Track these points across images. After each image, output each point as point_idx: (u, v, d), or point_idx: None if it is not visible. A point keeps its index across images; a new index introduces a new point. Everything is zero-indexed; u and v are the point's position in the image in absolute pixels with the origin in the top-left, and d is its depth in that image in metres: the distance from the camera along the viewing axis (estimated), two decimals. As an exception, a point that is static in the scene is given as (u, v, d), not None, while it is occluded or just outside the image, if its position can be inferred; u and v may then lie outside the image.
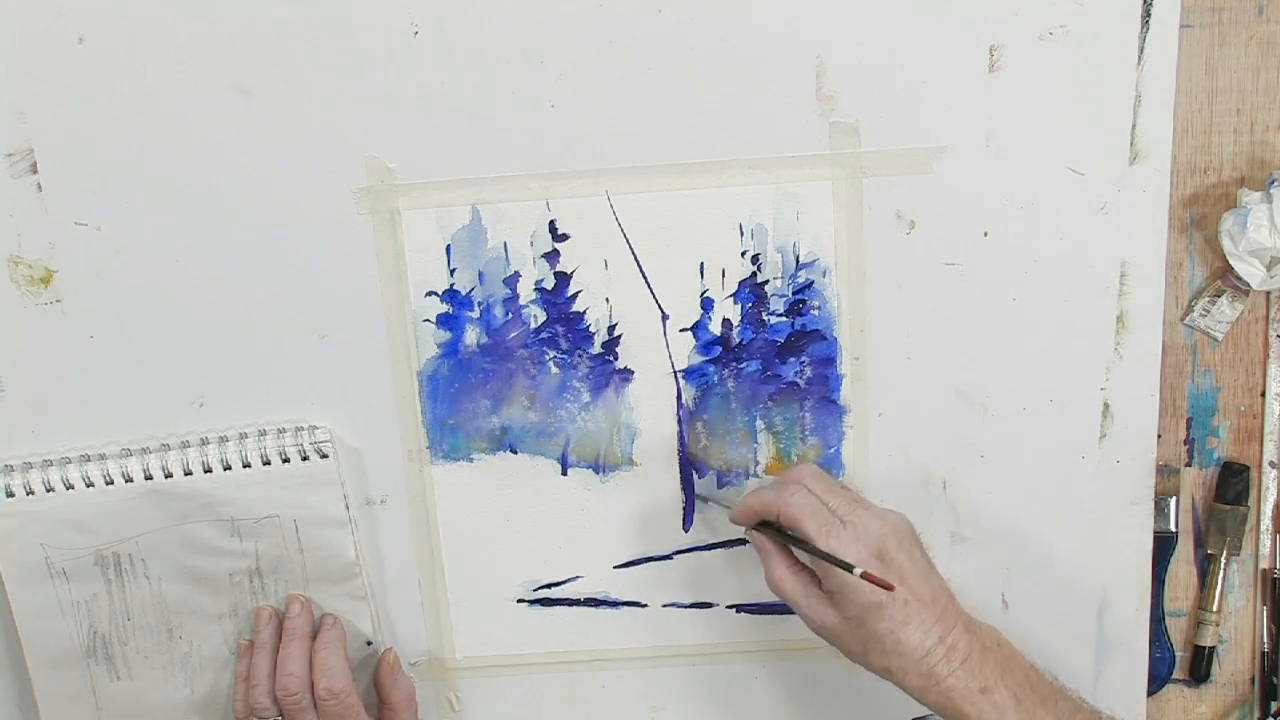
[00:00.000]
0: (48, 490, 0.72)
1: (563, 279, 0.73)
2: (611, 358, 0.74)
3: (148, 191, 0.71)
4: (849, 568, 0.63)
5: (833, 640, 0.67)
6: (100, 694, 0.77)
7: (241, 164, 0.70)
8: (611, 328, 0.74)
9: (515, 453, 0.75)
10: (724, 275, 0.73)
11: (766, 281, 0.73)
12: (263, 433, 0.73)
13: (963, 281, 0.72)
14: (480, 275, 0.73)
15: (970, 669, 0.64)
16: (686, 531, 0.77)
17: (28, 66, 0.69)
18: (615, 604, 0.78)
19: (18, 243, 0.72)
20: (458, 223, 0.72)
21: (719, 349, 0.74)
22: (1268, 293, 0.74)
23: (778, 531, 0.69)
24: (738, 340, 0.74)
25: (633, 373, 0.74)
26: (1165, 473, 0.76)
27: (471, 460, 0.76)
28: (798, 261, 0.72)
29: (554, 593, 0.78)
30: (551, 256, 0.72)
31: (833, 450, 0.75)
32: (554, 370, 0.74)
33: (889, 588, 0.62)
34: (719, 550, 0.77)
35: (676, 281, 0.73)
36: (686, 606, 0.78)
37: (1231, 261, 0.71)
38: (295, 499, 0.73)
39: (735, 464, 0.76)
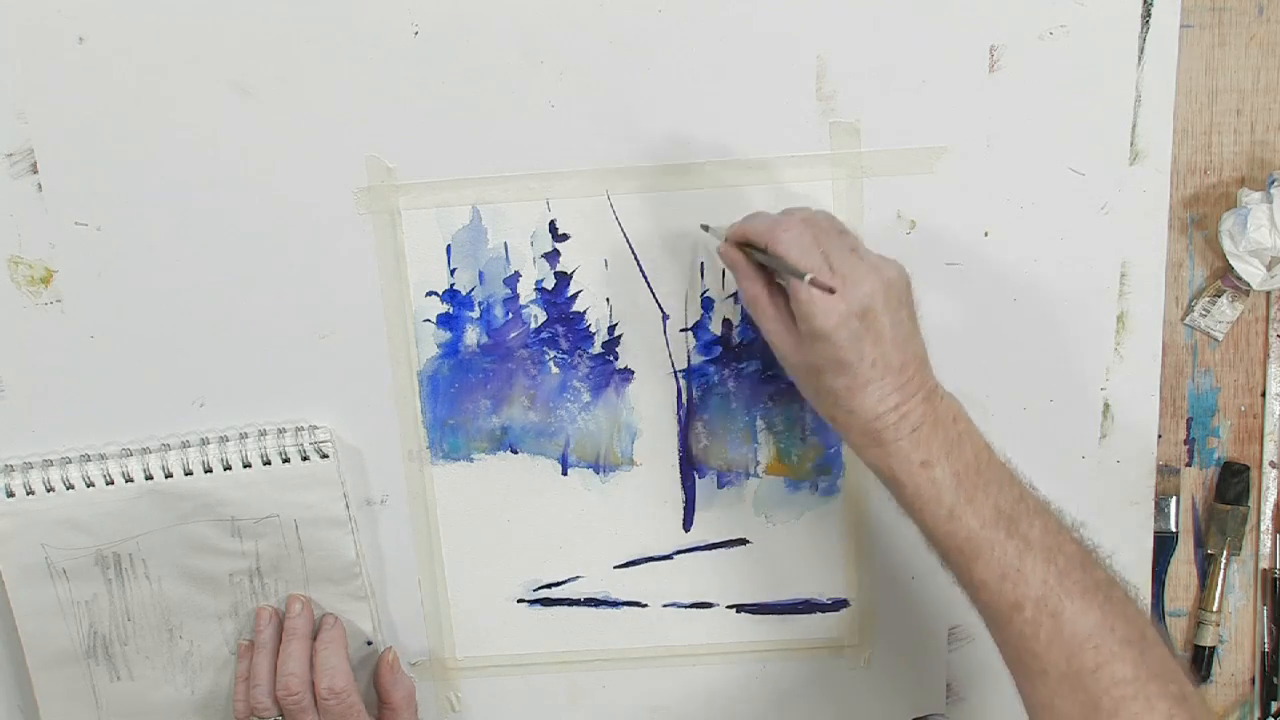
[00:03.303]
0: (48, 490, 0.72)
1: (563, 279, 0.73)
2: (611, 358, 0.74)
3: (148, 191, 0.71)
4: (800, 275, 0.60)
5: (790, 374, 0.65)
6: (100, 694, 0.77)
7: (241, 164, 0.70)
8: (611, 328, 0.74)
9: (515, 453, 0.75)
10: (724, 275, 0.73)
11: (766, 281, 0.73)
12: (263, 433, 0.73)
13: (963, 281, 0.72)
14: (480, 275, 0.73)
15: (916, 440, 0.61)
16: (686, 531, 0.77)
17: (28, 66, 0.69)
18: (615, 604, 0.78)
19: (18, 243, 0.72)
20: (458, 223, 0.72)
21: (719, 349, 0.74)
22: (1268, 293, 0.74)
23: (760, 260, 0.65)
24: (738, 340, 0.74)
25: (633, 373, 0.74)
26: (1165, 473, 0.76)
27: (472, 460, 0.76)
28: (798, 261, 0.72)
29: (554, 593, 0.78)
30: (551, 256, 0.72)
31: (833, 450, 0.75)
32: (554, 370, 0.74)
33: (830, 290, 0.59)
34: (719, 550, 0.77)
35: (676, 281, 0.73)
36: (686, 606, 0.78)
37: (1231, 261, 0.71)
38: (295, 499, 0.73)
39: (735, 464, 0.76)
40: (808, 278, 0.59)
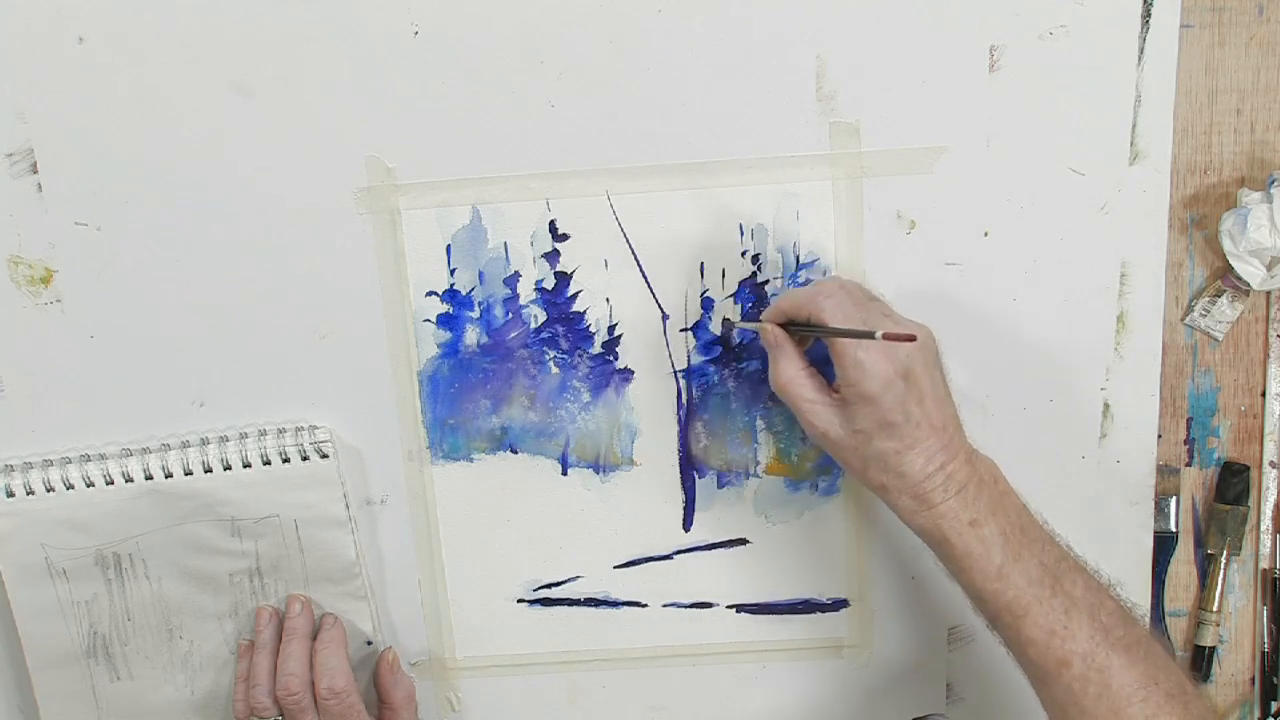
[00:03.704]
0: (48, 490, 0.72)
1: (563, 279, 0.73)
2: (611, 358, 0.74)
3: (148, 191, 0.71)
4: (870, 335, 0.61)
5: (833, 451, 0.66)
6: (100, 694, 0.77)
7: (242, 164, 0.70)
8: (611, 328, 0.74)
9: (515, 453, 0.75)
10: (724, 275, 0.73)
11: (767, 281, 0.73)
12: (263, 433, 0.73)
13: (963, 281, 0.72)
14: (480, 275, 0.73)
15: (964, 500, 0.63)
16: (686, 531, 0.77)
17: (28, 66, 0.69)
18: (615, 604, 0.78)
19: (18, 243, 0.72)
20: (458, 223, 0.72)
21: (719, 349, 0.74)
22: (1268, 293, 0.74)
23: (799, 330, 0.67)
24: (738, 340, 0.74)
25: (633, 373, 0.74)
26: (1165, 473, 0.76)
27: (471, 460, 0.76)
28: (798, 261, 0.72)
29: (554, 593, 0.78)
30: (551, 256, 0.72)
31: (833, 450, 0.75)
32: (554, 370, 0.74)
33: (910, 339, 0.60)
34: (719, 550, 0.77)
35: (676, 281, 0.73)
36: (686, 606, 0.78)
37: (1231, 261, 0.71)
38: (295, 499, 0.73)
39: (735, 464, 0.76)
40: (879, 334, 0.61)
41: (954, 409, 0.65)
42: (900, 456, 0.63)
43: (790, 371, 0.66)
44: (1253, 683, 0.80)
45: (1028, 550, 0.63)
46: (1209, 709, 0.62)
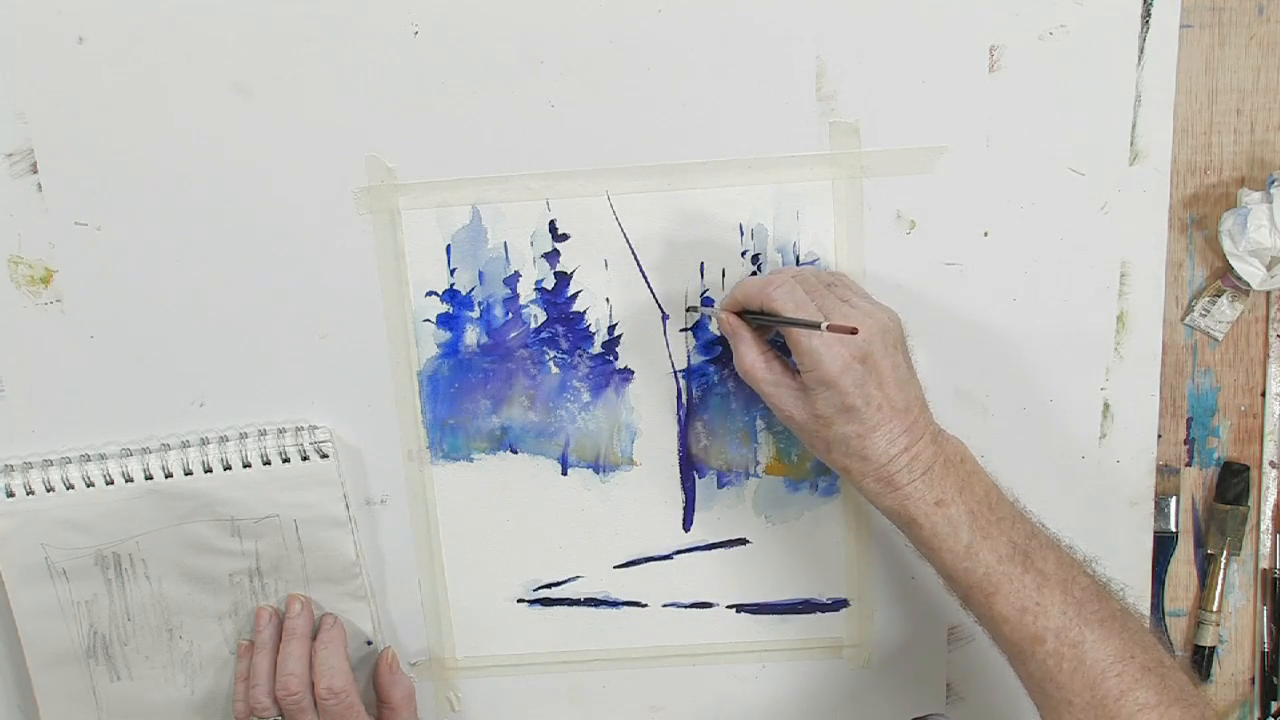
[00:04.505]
0: (48, 490, 0.72)
1: (563, 279, 0.73)
2: (611, 358, 0.74)
3: (148, 191, 0.71)
4: (816, 325, 0.61)
5: (798, 433, 0.66)
6: (100, 694, 0.77)
7: (241, 164, 0.70)
8: (611, 328, 0.74)
9: (515, 453, 0.75)
10: (724, 275, 0.73)
11: (766, 281, 0.73)
12: (263, 433, 0.73)
13: (963, 281, 0.72)
14: (480, 275, 0.73)
15: (930, 481, 0.63)
16: (686, 531, 0.77)
17: (28, 66, 0.69)
18: (615, 604, 0.78)
19: (18, 243, 0.72)
20: (458, 223, 0.72)
21: (719, 349, 0.74)
22: (1268, 293, 0.74)
23: (756, 319, 0.67)
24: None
25: (633, 373, 0.74)
26: (1165, 473, 0.76)
27: (471, 460, 0.76)
28: (798, 261, 0.72)
29: (554, 593, 0.78)
30: (551, 256, 0.72)
31: (833, 450, 0.75)
32: (554, 370, 0.74)
33: (852, 332, 0.60)
34: (719, 550, 0.77)
35: (676, 281, 0.73)
36: (686, 606, 0.78)
37: (1231, 261, 0.71)
38: (295, 499, 0.73)
39: (735, 464, 0.76)
40: (824, 325, 0.61)
41: (918, 390, 0.65)
42: (862, 440, 0.63)
43: (750, 357, 0.67)
44: (1253, 683, 0.80)
45: (996, 528, 0.63)
46: (1188, 682, 0.62)
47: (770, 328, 0.68)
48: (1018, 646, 0.62)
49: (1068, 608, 0.62)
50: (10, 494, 0.72)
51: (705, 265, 0.72)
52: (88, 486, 0.72)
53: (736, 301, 0.68)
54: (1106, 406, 0.74)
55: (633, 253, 0.72)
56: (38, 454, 0.73)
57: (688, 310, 0.73)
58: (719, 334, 0.73)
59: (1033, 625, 0.62)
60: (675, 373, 0.74)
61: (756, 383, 0.67)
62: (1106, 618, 0.62)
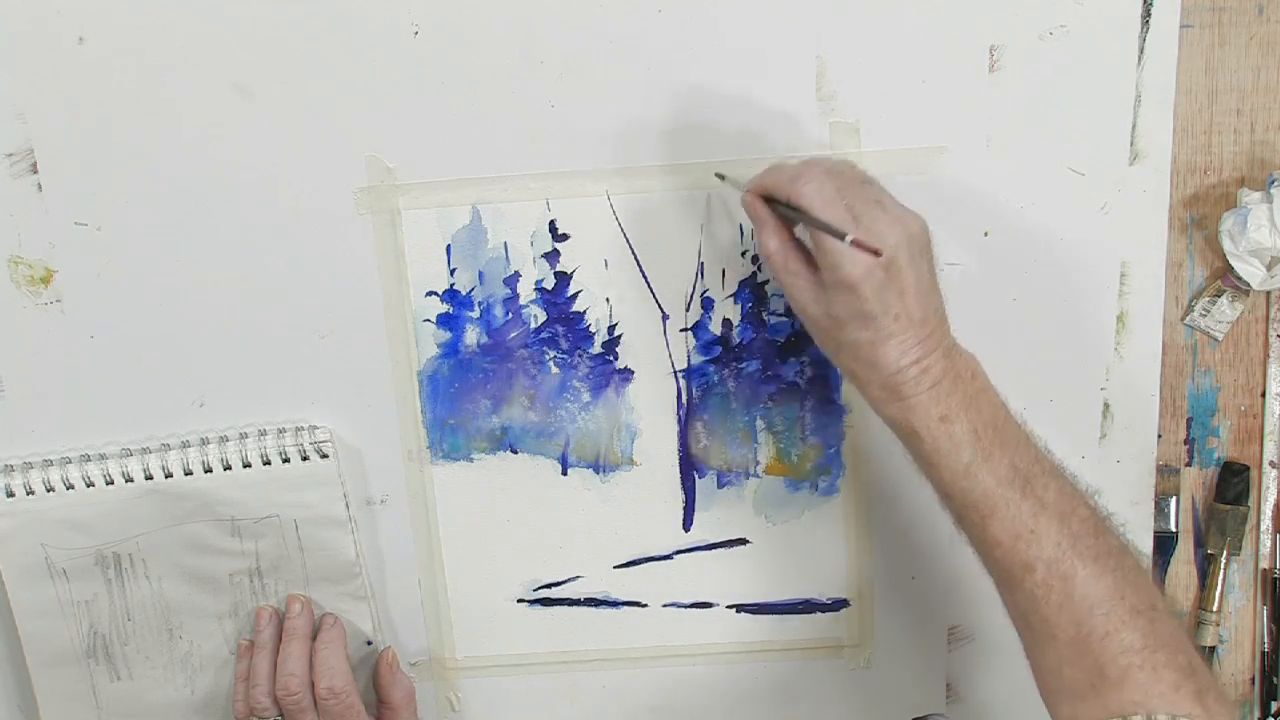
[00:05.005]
0: (48, 490, 0.72)
1: (563, 279, 0.73)
2: (611, 358, 0.74)
3: (148, 191, 0.71)
4: (840, 236, 0.59)
5: (809, 328, 0.64)
6: (100, 694, 0.77)
7: (242, 164, 0.70)
8: (611, 328, 0.74)
9: (515, 453, 0.75)
10: (724, 275, 0.73)
11: (767, 281, 0.73)
12: (263, 433, 0.73)
13: (963, 281, 0.72)
14: (480, 275, 0.73)
15: (936, 395, 0.61)
16: (686, 531, 0.77)
17: (28, 66, 0.69)
18: (615, 604, 0.78)
19: (18, 243, 0.72)
20: (458, 223, 0.72)
21: (719, 349, 0.74)
22: (1268, 293, 0.74)
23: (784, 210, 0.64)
24: (738, 340, 0.74)
25: (633, 373, 0.74)
26: (1165, 473, 0.76)
27: (471, 460, 0.76)
28: (798, 261, 0.72)
29: (554, 593, 0.78)
30: (551, 256, 0.72)
31: (833, 450, 0.75)
32: (554, 370, 0.74)
33: (876, 253, 0.58)
34: (719, 550, 0.77)
35: (676, 281, 0.73)
36: (686, 606, 0.78)
37: (1231, 261, 0.71)
38: (295, 499, 0.73)
39: (735, 464, 0.76)
40: (848, 238, 0.59)
41: (939, 302, 0.63)
42: (874, 348, 0.61)
43: (772, 245, 0.64)
44: (1253, 683, 0.80)
45: (1000, 450, 0.61)
46: (1178, 628, 0.60)
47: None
48: (1008, 573, 0.61)
49: (1063, 539, 0.60)
50: (10, 494, 0.72)
51: (705, 265, 0.72)
52: (88, 486, 0.72)
53: (765, 187, 0.65)
54: (1106, 406, 0.74)
55: (633, 253, 0.72)
56: (38, 454, 0.73)
57: (716, 175, 0.70)
58: (719, 334, 0.73)
59: (1025, 553, 0.60)
60: (675, 373, 0.74)
61: (775, 270, 0.64)
62: (1101, 554, 0.60)
